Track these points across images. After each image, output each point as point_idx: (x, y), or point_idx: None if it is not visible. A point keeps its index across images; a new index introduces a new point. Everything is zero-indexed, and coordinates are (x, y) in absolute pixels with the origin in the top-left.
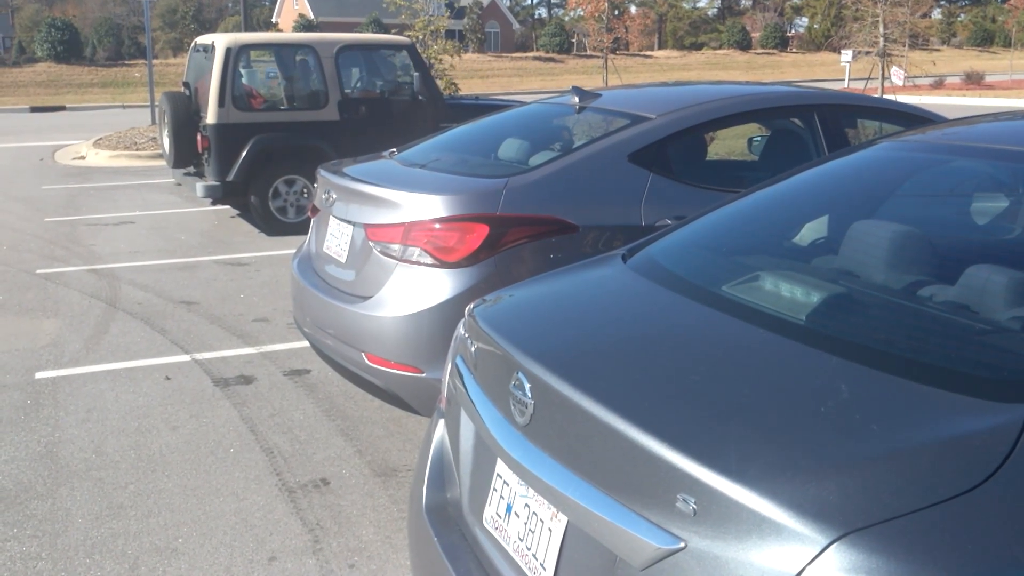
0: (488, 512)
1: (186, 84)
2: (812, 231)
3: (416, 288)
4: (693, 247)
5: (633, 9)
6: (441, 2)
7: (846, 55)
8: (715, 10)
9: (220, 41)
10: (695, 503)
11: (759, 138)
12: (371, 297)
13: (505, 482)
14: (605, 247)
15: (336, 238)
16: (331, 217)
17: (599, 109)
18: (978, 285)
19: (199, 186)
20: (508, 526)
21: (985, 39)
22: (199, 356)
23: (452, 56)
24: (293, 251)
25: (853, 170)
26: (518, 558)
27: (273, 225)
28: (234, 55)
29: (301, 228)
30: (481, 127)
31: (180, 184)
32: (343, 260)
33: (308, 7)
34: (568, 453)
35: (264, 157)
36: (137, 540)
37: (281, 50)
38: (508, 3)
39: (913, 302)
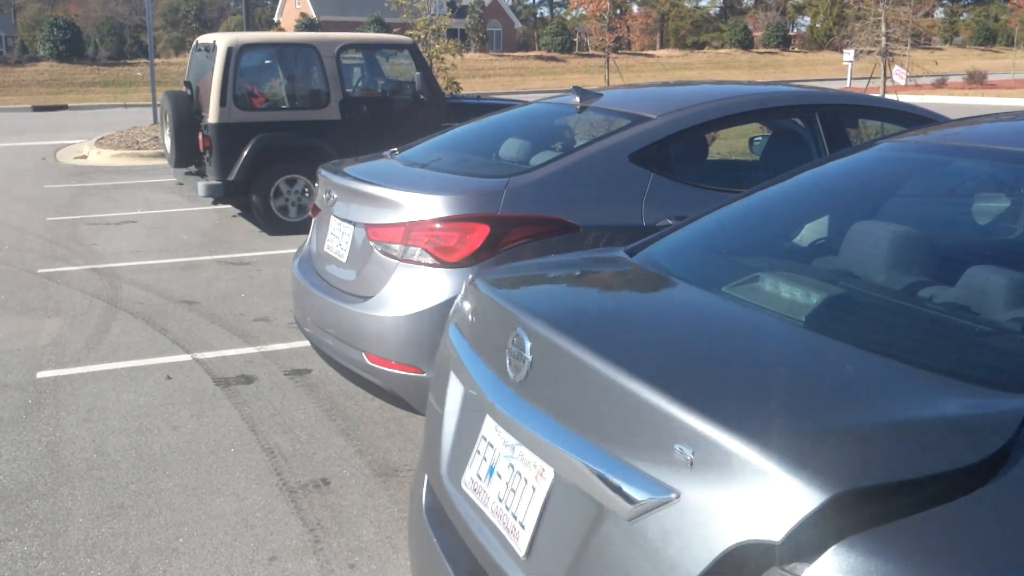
0: (468, 474)
1: (187, 83)
2: (812, 232)
3: (417, 288)
4: (693, 247)
5: (635, 8)
6: (443, 1)
7: (848, 54)
8: (717, 9)
9: (221, 40)
10: (693, 453)
11: (760, 138)
12: (372, 297)
13: (489, 444)
14: (606, 247)
15: (337, 238)
16: (332, 217)
17: (600, 109)
18: (978, 286)
19: (201, 185)
20: (488, 488)
21: (988, 38)
22: (200, 356)
23: (454, 55)
24: (294, 250)
25: (854, 171)
26: (496, 519)
27: (274, 224)
28: (235, 54)
29: (302, 227)
30: (482, 127)
31: (182, 183)
32: (344, 260)
33: (310, 6)
34: (562, 408)
35: (266, 156)
36: (138, 540)
37: (283, 49)
38: (510, 2)
39: (913, 303)
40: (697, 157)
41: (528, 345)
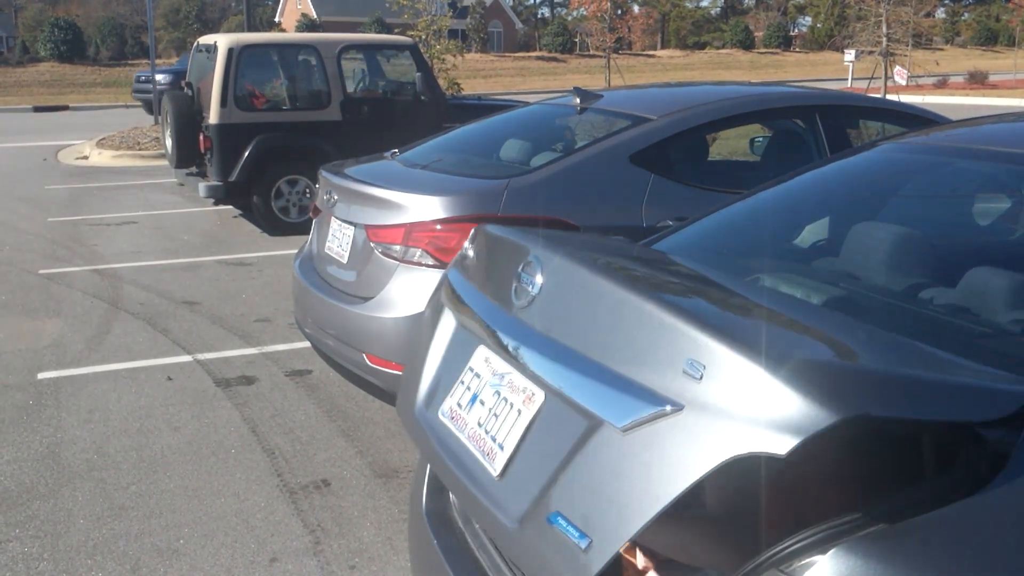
0: (447, 404)
1: (188, 84)
2: (813, 233)
3: (417, 289)
4: (694, 248)
5: (636, 8)
6: (444, 1)
7: (849, 55)
8: (718, 9)
9: (222, 41)
10: (704, 368)
11: (761, 139)
12: (372, 298)
13: (476, 375)
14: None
15: (338, 239)
16: (333, 218)
17: (600, 110)
18: (979, 288)
19: (201, 186)
20: (468, 415)
21: (989, 38)
22: (201, 356)
23: (455, 56)
24: (295, 251)
25: (854, 172)
26: (471, 443)
27: (275, 225)
28: (236, 55)
29: (303, 228)
30: (483, 128)
31: (183, 184)
32: (344, 261)
33: (311, 7)
34: (567, 330)
35: (266, 157)
36: (139, 541)
37: (284, 50)
38: (511, 2)
39: (914, 304)
40: (698, 158)
41: (540, 271)
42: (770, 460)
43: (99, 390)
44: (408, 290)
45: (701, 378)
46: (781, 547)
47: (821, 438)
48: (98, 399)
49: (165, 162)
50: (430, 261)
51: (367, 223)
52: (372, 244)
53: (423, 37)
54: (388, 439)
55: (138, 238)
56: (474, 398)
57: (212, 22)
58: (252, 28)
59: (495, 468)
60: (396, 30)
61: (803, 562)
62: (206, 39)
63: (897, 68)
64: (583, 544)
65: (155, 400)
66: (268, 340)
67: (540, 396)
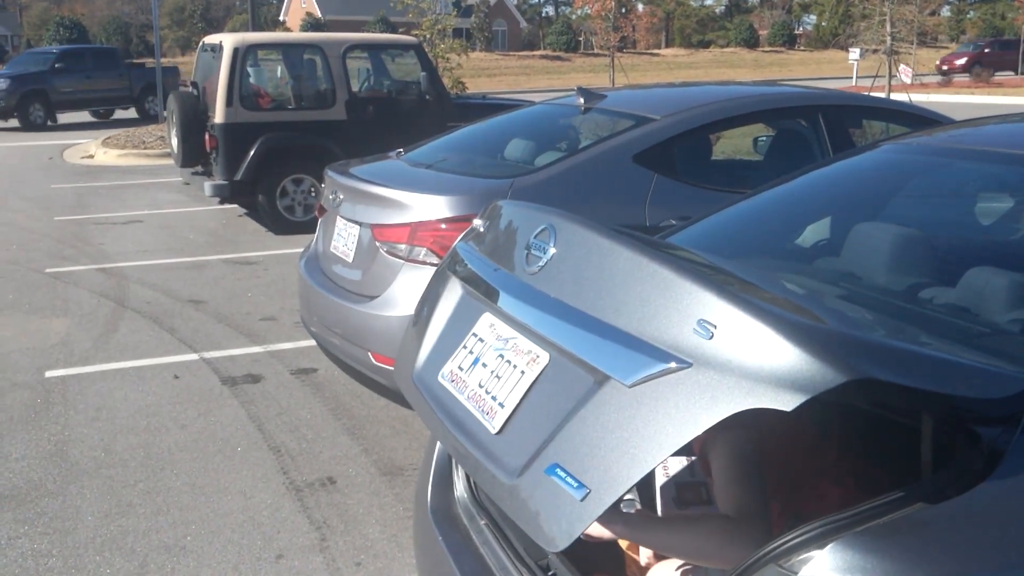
0: (448, 367)
1: (194, 84)
2: (815, 233)
3: (422, 288)
4: (696, 248)
5: (640, 7)
6: (448, 0)
7: (854, 53)
8: (723, 8)
9: (228, 41)
10: (715, 328)
11: (764, 138)
12: (378, 297)
13: (480, 339)
14: None
15: (343, 238)
16: (338, 217)
17: (604, 110)
18: (979, 288)
19: (207, 185)
20: (468, 377)
21: (994, 36)
22: (207, 355)
23: (459, 55)
24: (300, 250)
25: (856, 173)
26: (471, 403)
27: (281, 224)
28: (242, 55)
29: (308, 227)
30: (487, 128)
31: (188, 183)
32: (350, 260)
33: (315, 6)
34: (579, 293)
35: (272, 156)
36: (146, 538)
37: (289, 50)
38: (515, 1)
39: (914, 304)
40: (701, 158)
41: (553, 238)
42: (775, 413)
43: (106, 388)
44: (413, 289)
45: (711, 337)
46: (780, 542)
47: (827, 397)
48: (105, 397)
49: (170, 161)
50: (435, 260)
51: (372, 222)
52: (377, 243)
53: (428, 36)
54: (393, 437)
55: (144, 237)
56: (476, 361)
57: (216, 21)
58: (256, 27)
59: (494, 425)
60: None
61: (801, 557)
62: (211, 39)
63: (902, 66)
64: (580, 494)
65: (162, 398)
66: (274, 339)
67: (545, 358)
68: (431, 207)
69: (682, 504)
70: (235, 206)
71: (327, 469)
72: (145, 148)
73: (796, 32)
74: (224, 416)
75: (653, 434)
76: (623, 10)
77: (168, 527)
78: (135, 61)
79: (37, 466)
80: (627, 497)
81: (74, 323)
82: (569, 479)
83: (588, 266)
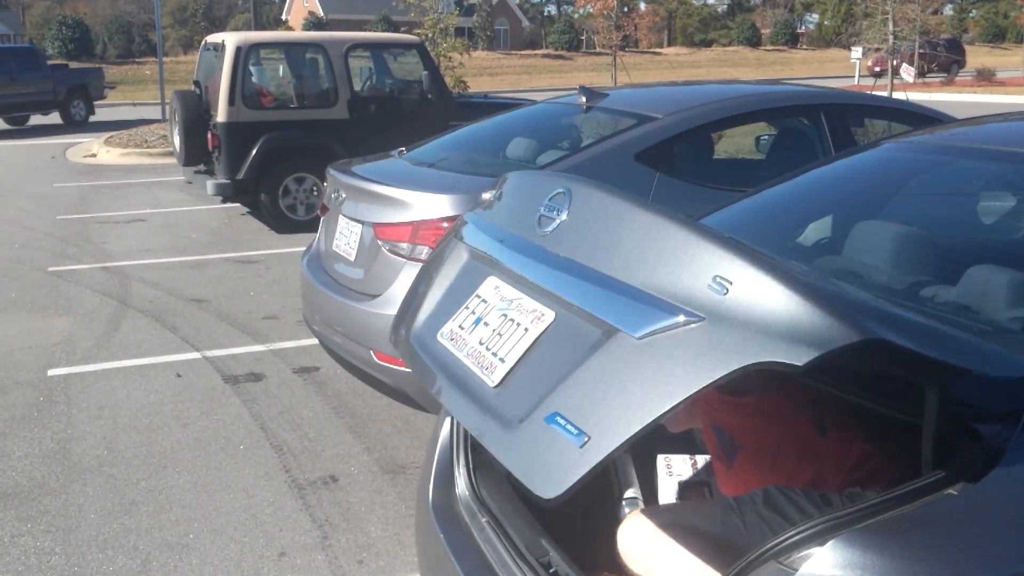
0: (448, 327)
1: (196, 83)
2: (816, 231)
3: None
4: None
5: (642, 6)
6: None
7: (856, 52)
8: (725, 7)
9: (230, 40)
10: (731, 285)
11: (766, 137)
12: (380, 295)
13: (483, 300)
14: None
15: (345, 237)
16: (340, 216)
17: (606, 109)
18: (979, 286)
19: (209, 184)
20: (469, 336)
21: (997, 35)
22: (209, 353)
23: (461, 54)
24: (303, 249)
25: (858, 171)
26: (470, 359)
27: (283, 223)
28: (244, 54)
29: (311, 226)
30: (489, 126)
31: (190, 182)
32: (352, 258)
33: (318, 5)
34: (590, 252)
35: (274, 155)
36: (148, 536)
37: (291, 49)
38: (517, 0)
39: (915, 302)
40: (703, 156)
41: (568, 201)
42: (787, 368)
43: (109, 387)
44: None
45: (726, 293)
46: (780, 539)
47: (837, 357)
48: (108, 395)
49: (173, 160)
50: None
51: (374, 221)
52: (379, 242)
53: (430, 35)
54: (395, 435)
55: (146, 236)
56: (478, 321)
57: (219, 20)
58: (259, 26)
59: (493, 379)
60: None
61: (802, 554)
62: (214, 38)
63: (904, 65)
64: (579, 441)
65: (164, 396)
66: (276, 337)
67: (550, 316)
68: (433, 206)
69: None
70: (237, 205)
71: (329, 467)
72: (147, 147)
73: (798, 31)
74: (226, 414)
75: (659, 386)
76: (625, 9)
77: (170, 525)
78: (59, 62)
79: (40, 464)
80: (630, 496)
81: (76, 322)
82: (569, 427)
83: (603, 228)
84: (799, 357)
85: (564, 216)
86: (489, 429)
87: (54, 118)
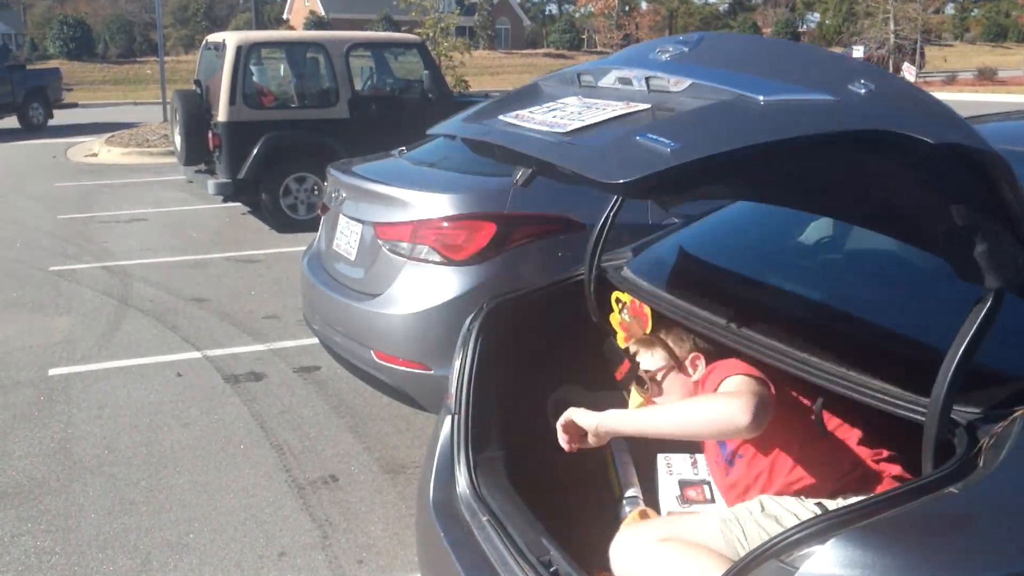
0: (515, 111)
1: (197, 82)
2: (816, 231)
3: (424, 286)
4: (696, 247)
5: (643, 5)
6: None
7: (857, 51)
8: (726, 6)
9: (231, 39)
10: (873, 87)
11: None
12: (380, 295)
13: (563, 102)
14: (612, 245)
15: (346, 236)
16: (341, 215)
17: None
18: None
19: (210, 183)
20: (539, 115)
21: (998, 34)
22: (210, 353)
23: (462, 53)
24: (303, 248)
25: None
26: (537, 125)
27: (283, 222)
28: (245, 53)
29: (311, 225)
30: None
31: (191, 181)
32: (352, 258)
33: (319, 4)
34: (719, 61)
35: (275, 155)
36: (149, 535)
37: (292, 48)
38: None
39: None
40: None
41: (699, 40)
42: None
43: (109, 386)
44: (415, 287)
45: (864, 91)
46: (781, 538)
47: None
48: (108, 395)
49: (174, 159)
50: (437, 258)
51: (375, 220)
52: (380, 241)
53: (430, 34)
54: (395, 435)
55: (147, 235)
56: (551, 108)
57: (220, 19)
58: (260, 25)
59: (565, 128)
60: (404, 27)
61: (802, 552)
62: (214, 37)
63: (906, 64)
64: (670, 147)
65: (164, 396)
66: (276, 337)
67: (645, 105)
68: (433, 205)
69: (686, 502)
70: (238, 204)
71: (329, 467)
72: (148, 147)
73: (800, 30)
74: (227, 414)
75: (766, 129)
76: (626, 8)
77: (170, 525)
78: (17, 64)
79: (40, 464)
80: (630, 495)
81: (77, 321)
82: (662, 139)
83: (735, 49)
84: (933, 136)
85: (690, 46)
86: (551, 147)
87: (11, 122)
